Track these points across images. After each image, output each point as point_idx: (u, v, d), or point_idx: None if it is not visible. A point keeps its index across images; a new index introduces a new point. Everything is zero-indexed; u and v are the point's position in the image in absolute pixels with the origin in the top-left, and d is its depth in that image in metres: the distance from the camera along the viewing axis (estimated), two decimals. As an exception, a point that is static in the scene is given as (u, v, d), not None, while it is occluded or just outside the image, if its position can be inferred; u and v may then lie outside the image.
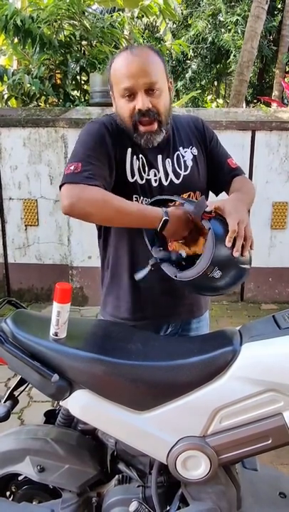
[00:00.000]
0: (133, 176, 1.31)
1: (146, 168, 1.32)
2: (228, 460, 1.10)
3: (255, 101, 10.23)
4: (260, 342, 1.06)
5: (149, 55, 1.26)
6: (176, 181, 1.34)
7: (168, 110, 1.30)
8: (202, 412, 1.07)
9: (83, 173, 1.18)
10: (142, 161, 1.32)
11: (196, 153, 1.39)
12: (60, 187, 1.21)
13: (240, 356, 1.05)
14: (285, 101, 8.70)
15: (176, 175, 1.35)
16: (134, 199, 1.31)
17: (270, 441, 1.06)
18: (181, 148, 1.38)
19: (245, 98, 7.71)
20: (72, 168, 1.20)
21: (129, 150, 1.31)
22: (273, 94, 8.93)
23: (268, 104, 6.08)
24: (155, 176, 1.33)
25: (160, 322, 1.42)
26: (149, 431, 1.10)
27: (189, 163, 1.37)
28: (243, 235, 1.12)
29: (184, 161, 1.37)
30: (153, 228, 1.20)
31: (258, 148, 3.75)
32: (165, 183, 1.33)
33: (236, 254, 1.10)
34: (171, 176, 1.34)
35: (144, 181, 1.32)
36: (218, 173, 1.44)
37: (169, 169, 1.35)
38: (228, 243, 1.10)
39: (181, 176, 1.35)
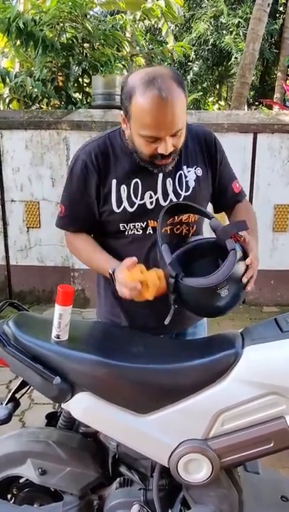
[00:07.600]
0: (119, 205, 1.29)
1: (140, 192, 1.29)
2: (230, 463, 1.10)
3: (256, 103, 10.22)
4: (262, 345, 1.06)
5: (175, 93, 1.13)
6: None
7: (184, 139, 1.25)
8: (204, 415, 1.07)
9: (65, 219, 1.38)
10: (136, 185, 1.29)
11: (200, 174, 1.34)
12: None
13: (243, 359, 1.05)
14: (287, 103, 8.69)
15: (177, 195, 1.31)
16: (121, 227, 1.31)
17: (272, 445, 1.06)
18: (184, 168, 1.32)
19: (246, 100, 7.72)
20: (60, 210, 1.39)
21: (114, 182, 1.29)
22: (275, 96, 8.92)
23: (270, 107, 6.08)
24: (151, 197, 1.29)
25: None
26: (151, 434, 1.10)
27: (191, 184, 1.33)
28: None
29: (186, 182, 1.32)
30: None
31: (260, 151, 3.75)
32: (163, 204, 1.29)
33: (249, 288, 1.16)
34: (171, 196, 1.30)
35: (134, 207, 1.29)
36: (221, 195, 1.43)
37: (170, 189, 1.30)
38: (245, 279, 1.14)
39: (182, 196, 1.31)
